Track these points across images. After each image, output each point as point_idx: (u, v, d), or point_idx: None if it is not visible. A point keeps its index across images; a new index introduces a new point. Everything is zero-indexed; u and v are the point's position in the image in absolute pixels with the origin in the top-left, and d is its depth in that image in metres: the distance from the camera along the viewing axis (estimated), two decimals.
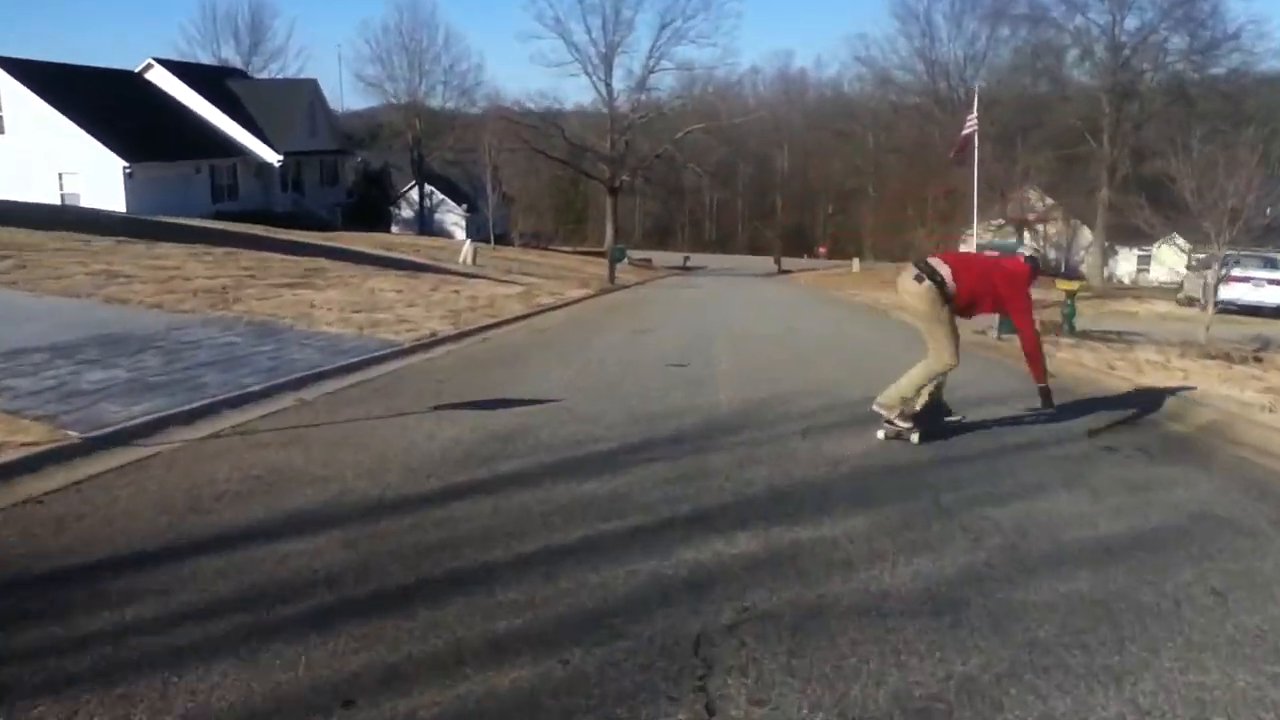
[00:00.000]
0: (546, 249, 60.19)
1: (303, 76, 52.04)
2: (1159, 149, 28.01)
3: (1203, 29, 34.61)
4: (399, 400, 6.76)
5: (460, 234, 60.74)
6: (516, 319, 13.83)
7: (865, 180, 71.91)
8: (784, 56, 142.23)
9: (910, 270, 5.82)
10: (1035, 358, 5.97)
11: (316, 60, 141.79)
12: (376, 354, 8.70)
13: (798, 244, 79.99)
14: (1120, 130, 33.85)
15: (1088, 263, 40.34)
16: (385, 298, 13.87)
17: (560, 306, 17.96)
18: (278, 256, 17.59)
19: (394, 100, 57.17)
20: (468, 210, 58.94)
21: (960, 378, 6.36)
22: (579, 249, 65.91)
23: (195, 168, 36.59)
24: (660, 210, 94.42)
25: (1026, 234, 41.06)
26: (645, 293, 26.68)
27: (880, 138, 70.12)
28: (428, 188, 59.48)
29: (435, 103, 58.36)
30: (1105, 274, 37.37)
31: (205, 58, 53.79)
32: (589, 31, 58.84)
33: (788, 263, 61.87)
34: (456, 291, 17.14)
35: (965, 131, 19.21)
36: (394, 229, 56.15)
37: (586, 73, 62.24)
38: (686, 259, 68.21)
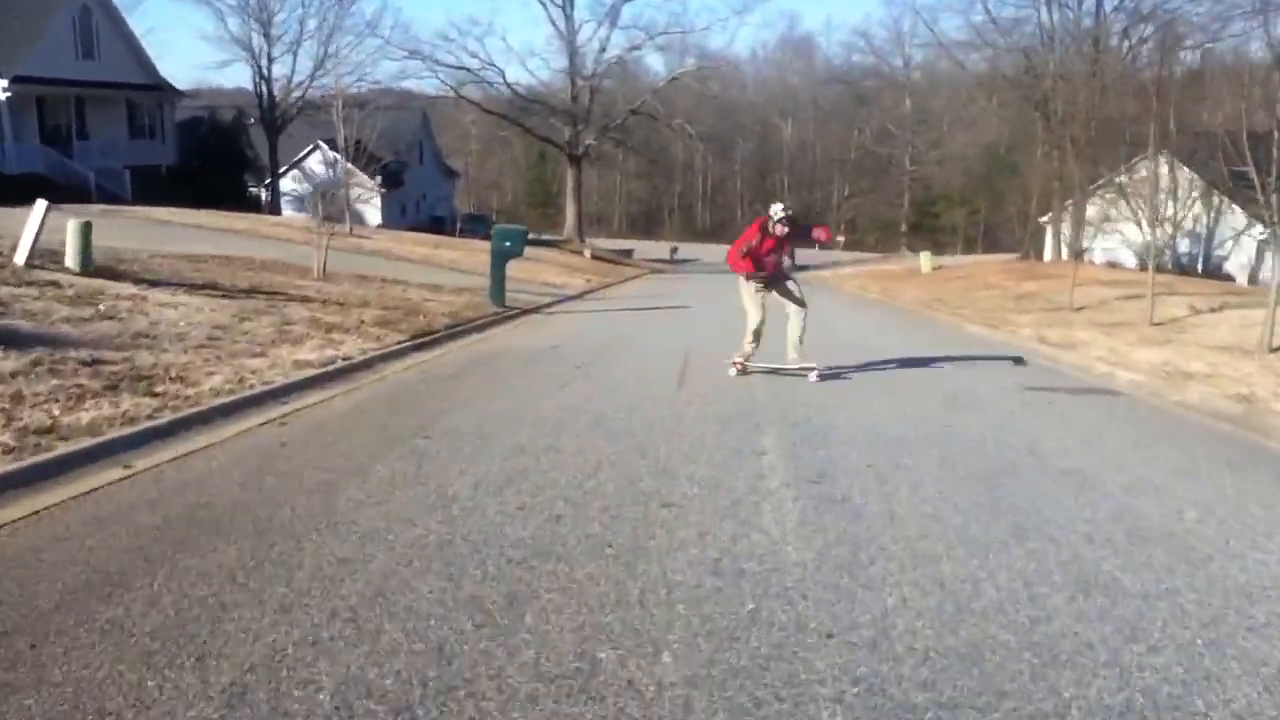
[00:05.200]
0: (467, 233, 44.66)
1: None
2: None
3: None
4: None
5: (375, 216, 46.14)
6: None
7: (900, 151, 57.32)
8: (788, 19, 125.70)
9: None
10: None
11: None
12: None
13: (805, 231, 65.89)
14: None
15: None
16: None
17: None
18: None
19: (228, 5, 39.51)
20: (383, 185, 44.77)
21: None
22: (537, 238, 50.72)
23: None
24: (646, 192, 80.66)
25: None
26: (534, 344, 11.91)
27: (921, 97, 55.31)
28: (330, 154, 44.59)
29: (292, 16, 41.45)
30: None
31: None
32: None
33: (798, 255, 47.68)
34: None
35: None
36: (283, 209, 41.59)
37: None
38: (674, 250, 54.51)
